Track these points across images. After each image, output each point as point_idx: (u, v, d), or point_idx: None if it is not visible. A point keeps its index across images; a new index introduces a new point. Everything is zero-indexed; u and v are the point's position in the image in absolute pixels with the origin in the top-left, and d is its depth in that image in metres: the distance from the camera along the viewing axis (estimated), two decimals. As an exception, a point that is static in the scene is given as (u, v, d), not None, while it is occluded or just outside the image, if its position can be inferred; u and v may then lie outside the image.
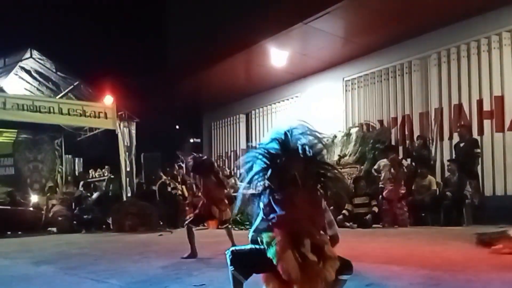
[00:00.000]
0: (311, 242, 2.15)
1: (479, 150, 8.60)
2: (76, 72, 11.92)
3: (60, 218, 10.75)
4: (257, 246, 2.23)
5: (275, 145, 2.31)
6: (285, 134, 2.31)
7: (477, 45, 9.09)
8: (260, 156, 2.31)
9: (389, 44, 10.30)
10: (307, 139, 2.31)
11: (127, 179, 11.93)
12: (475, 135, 8.93)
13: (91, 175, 14.00)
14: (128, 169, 11.98)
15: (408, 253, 4.79)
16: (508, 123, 8.55)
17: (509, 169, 8.57)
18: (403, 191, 8.64)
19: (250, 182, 2.31)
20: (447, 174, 8.98)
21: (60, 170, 14.43)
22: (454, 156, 9.01)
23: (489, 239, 4.89)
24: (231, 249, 2.22)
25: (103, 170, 13.46)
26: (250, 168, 2.33)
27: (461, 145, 8.78)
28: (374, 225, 8.49)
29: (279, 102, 13.89)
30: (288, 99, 13.55)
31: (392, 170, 8.75)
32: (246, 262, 2.17)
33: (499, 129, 8.68)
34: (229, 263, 2.18)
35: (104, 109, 11.45)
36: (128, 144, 11.90)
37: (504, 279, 3.21)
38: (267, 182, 2.29)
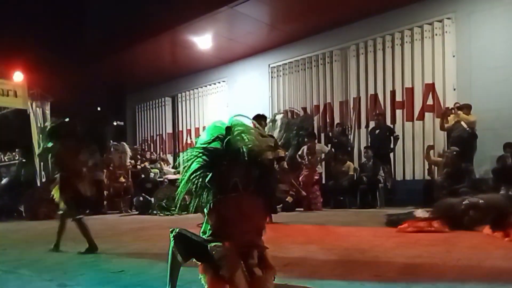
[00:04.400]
0: (258, 252, 2.24)
1: (397, 134, 9.25)
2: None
3: (-37, 206, 9.82)
4: (201, 237, 2.27)
5: (216, 144, 2.31)
6: (226, 130, 2.31)
7: (391, 38, 9.70)
8: (200, 155, 2.30)
9: (312, 34, 10.62)
10: (248, 138, 2.34)
11: (41, 163, 11.15)
12: (388, 123, 9.58)
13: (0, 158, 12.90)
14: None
15: (325, 233, 5.06)
16: (417, 113, 9.29)
17: (417, 156, 9.36)
18: (317, 177, 9.06)
19: (188, 181, 2.31)
20: (363, 160, 9.57)
21: (-38, 153, 13.08)
22: (369, 142, 9.61)
23: (397, 220, 5.34)
24: (177, 229, 2.22)
25: (14, 153, 12.44)
26: (189, 166, 2.33)
27: (377, 132, 9.37)
28: (297, 209, 8.80)
29: (206, 86, 13.75)
30: (215, 83, 13.47)
31: (309, 156, 9.12)
32: (188, 247, 2.20)
33: (409, 118, 9.40)
34: (172, 242, 2.19)
35: (13, 87, 10.53)
36: (42, 126, 11.09)
37: (406, 254, 3.53)
38: (209, 181, 2.29)
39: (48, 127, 4.55)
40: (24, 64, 10.63)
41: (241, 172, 2.33)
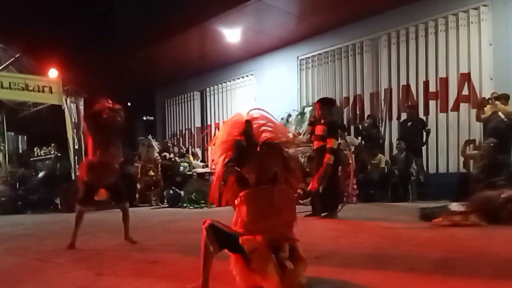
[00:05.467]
0: (289, 245, 2.24)
1: (429, 128, 9.02)
2: (18, 44, 11.14)
3: (3, 199, 10.24)
4: (232, 229, 2.30)
5: (241, 137, 2.32)
6: (246, 124, 2.32)
7: (425, 27, 9.42)
8: (229, 148, 2.33)
9: (342, 25, 10.44)
10: (272, 133, 2.35)
11: (76, 157, 11.48)
12: (421, 115, 9.34)
13: (36, 153, 13.35)
14: (76, 146, 11.52)
15: (356, 227, 4.98)
16: (451, 104, 9.00)
17: (451, 148, 9.08)
18: (350, 170, 8.91)
19: (219, 174, 2.34)
20: (394, 152, 9.37)
21: (2, 148, 13.60)
22: (401, 135, 9.38)
23: (431, 213, 5.21)
24: (209, 221, 2.25)
25: (49, 148, 12.85)
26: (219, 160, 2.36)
27: (409, 124, 9.16)
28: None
29: (234, 80, 13.78)
30: (243, 77, 13.47)
31: None
32: (220, 239, 2.22)
33: (443, 109, 9.12)
34: (204, 234, 2.21)
35: (48, 83, 10.84)
36: (76, 121, 11.40)
37: (442, 248, 3.43)
38: (239, 174, 2.31)
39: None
40: (58, 61, 10.93)
41: (275, 165, 2.33)
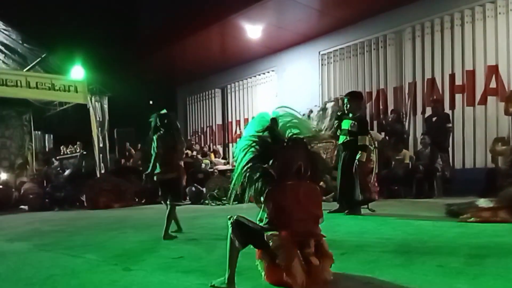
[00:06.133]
0: (315, 241, 2.24)
1: (450, 125, 8.83)
2: (44, 44, 11.42)
3: (31, 196, 10.50)
4: (258, 225, 2.30)
5: (267, 134, 2.33)
6: (272, 122, 2.32)
7: (450, 19, 9.17)
8: (254, 144, 2.33)
9: (364, 18, 10.27)
10: (299, 129, 2.35)
11: (100, 155, 11.72)
12: (447, 109, 9.13)
13: (62, 151, 13.68)
14: (101, 145, 11.76)
15: (381, 223, 4.92)
16: (478, 97, 8.76)
17: (478, 143, 8.84)
18: (371, 165, 8.78)
19: (242, 171, 2.35)
20: (419, 147, 9.20)
21: (30, 147, 14.00)
22: (425, 130, 9.21)
23: (458, 209, 5.09)
24: (235, 216, 2.27)
25: (75, 146, 13.15)
26: (244, 156, 2.37)
27: (434, 119, 8.97)
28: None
29: (255, 76, 13.76)
30: (264, 73, 13.44)
31: None
32: (246, 234, 2.23)
33: (470, 103, 8.88)
34: (230, 229, 2.23)
35: (74, 83, 11.10)
36: (101, 119, 11.63)
37: (470, 245, 3.35)
38: (264, 170, 2.31)
39: (153, 118, 4.75)
40: (83, 61, 11.16)
41: (300, 161, 2.32)
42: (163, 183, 4.64)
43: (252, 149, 2.36)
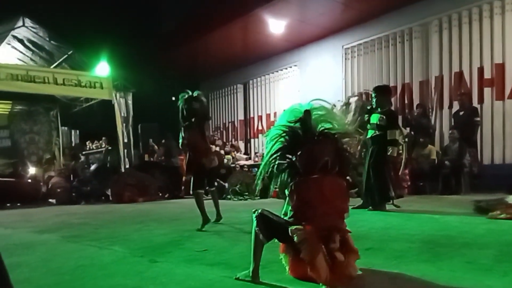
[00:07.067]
0: (340, 236, 2.21)
1: (478, 119, 8.60)
2: (70, 41, 11.67)
3: (58, 190, 10.77)
4: (282, 218, 2.30)
5: (297, 125, 2.31)
6: (305, 114, 2.30)
7: (479, 11, 8.91)
8: (284, 134, 2.32)
9: (389, 10, 10.08)
10: (331, 123, 2.32)
11: (125, 150, 11.91)
12: (475, 103, 8.89)
13: (88, 146, 13.98)
14: (125, 140, 11.94)
15: (406, 219, 4.84)
16: (508, 91, 8.49)
17: (508, 138, 8.57)
18: (401, 160, 8.62)
19: (269, 161, 2.34)
20: (446, 143, 8.99)
21: (57, 142, 14.37)
22: (453, 124, 8.99)
23: (486, 206, 4.95)
24: (259, 210, 2.27)
25: (100, 141, 13.42)
26: (272, 146, 2.36)
27: (461, 113, 8.75)
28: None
29: (277, 72, 13.72)
30: (286, 68, 13.38)
31: None
32: (270, 228, 2.23)
33: (499, 97, 8.62)
34: (254, 222, 2.23)
35: (99, 79, 11.30)
36: (125, 115, 11.81)
37: (500, 242, 3.26)
38: (290, 162, 2.30)
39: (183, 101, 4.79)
40: (108, 57, 11.35)
41: (332, 152, 2.30)
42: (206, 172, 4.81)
43: (282, 139, 2.34)
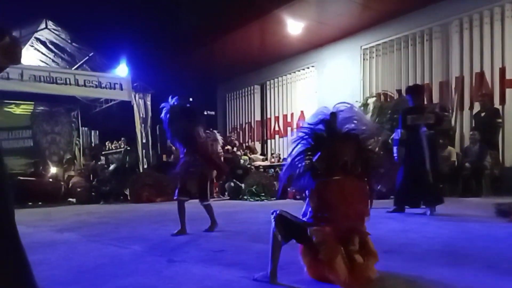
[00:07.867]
0: (359, 238, 2.20)
1: (500, 120, 8.43)
2: (91, 43, 11.88)
3: (79, 189, 10.96)
4: (301, 219, 2.30)
5: (321, 127, 2.31)
6: (331, 116, 2.29)
7: (500, 11, 8.75)
8: (306, 136, 2.32)
9: (409, 11, 9.97)
10: (355, 124, 2.31)
11: (143, 150, 12.05)
12: (496, 104, 8.71)
13: (107, 147, 14.18)
14: (144, 140, 12.08)
15: (425, 222, 4.77)
16: (531, 92, 8.31)
17: (530, 140, 8.39)
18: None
19: (292, 163, 2.34)
20: (466, 144, 8.83)
21: (77, 142, 14.62)
22: (473, 126, 8.83)
23: (508, 209, 4.85)
24: (278, 211, 2.27)
25: (119, 142, 13.60)
26: (296, 148, 2.36)
27: (482, 114, 8.59)
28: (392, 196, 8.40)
29: (294, 72, 13.69)
30: (304, 69, 13.34)
31: None
32: (288, 229, 2.23)
33: (521, 98, 8.44)
34: (273, 224, 2.24)
35: (119, 80, 11.47)
36: (144, 116, 11.95)
37: (524, 246, 3.19)
38: (311, 164, 2.30)
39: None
40: (127, 59, 11.51)
41: (351, 153, 2.29)
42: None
43: (304, 141, 2.34)
